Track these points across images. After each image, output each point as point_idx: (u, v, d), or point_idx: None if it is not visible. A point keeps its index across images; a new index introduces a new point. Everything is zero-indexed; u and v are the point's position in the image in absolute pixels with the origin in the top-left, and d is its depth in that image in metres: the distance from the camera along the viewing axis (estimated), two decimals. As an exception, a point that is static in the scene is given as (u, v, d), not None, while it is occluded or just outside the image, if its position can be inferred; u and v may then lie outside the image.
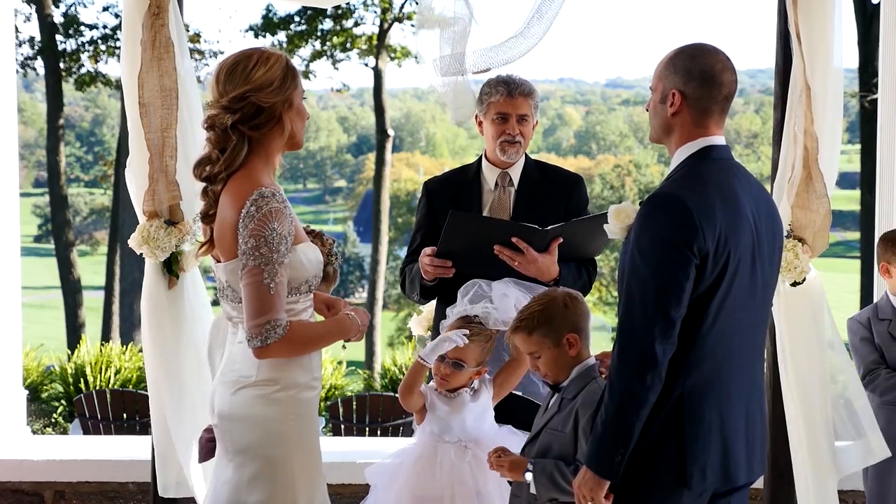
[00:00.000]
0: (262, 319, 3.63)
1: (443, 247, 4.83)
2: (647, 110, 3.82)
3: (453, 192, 5.17)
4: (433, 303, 5.29)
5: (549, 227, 4.78)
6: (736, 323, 3.58)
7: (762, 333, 3.78)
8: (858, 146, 21.11)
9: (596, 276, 5.12)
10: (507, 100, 5.02)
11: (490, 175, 5.14)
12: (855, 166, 26.61)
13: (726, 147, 3.72)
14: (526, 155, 5.18)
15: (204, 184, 3.87)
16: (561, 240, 4.78)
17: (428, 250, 4.89)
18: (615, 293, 43.74)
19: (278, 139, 3.84)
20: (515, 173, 5.13)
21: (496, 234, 4.78)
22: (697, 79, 3.63)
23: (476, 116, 5.18)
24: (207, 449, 4.11)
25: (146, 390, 5.76)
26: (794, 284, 5.24)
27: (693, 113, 3.65)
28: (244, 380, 3.81)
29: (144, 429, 7.57)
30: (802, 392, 5.26)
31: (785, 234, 5.22)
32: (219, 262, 3.86)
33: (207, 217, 3.90)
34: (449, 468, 4.53)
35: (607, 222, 4.64)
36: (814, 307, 5.28)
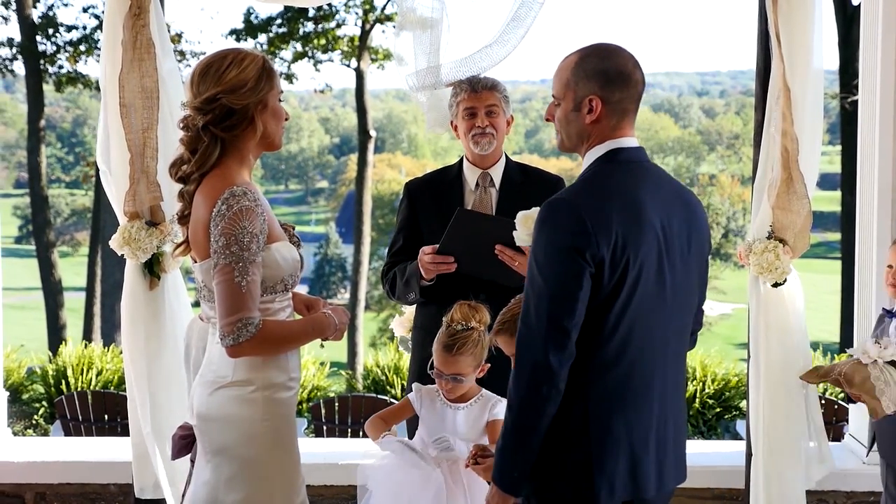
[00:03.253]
0: (234, 318, 3.62)
1: (445, 244, 4.84)
2: (549, 120, 3.68)
3: (435, 192, 5.19)
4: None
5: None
6: (644, 331, 3.48)
7: (680, 340, 3.66)
8: (839, 147, 21.19)
9: None
10: (471, 95, 5.08)
11: (471, 175, 5.15)
12: (835, 167, 26.70)
13: (638, 149, 3.60)
14: (506, 156, 5.20)
15: (181, 184, 3.87)
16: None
17: (427, 249, 4.90)
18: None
19: (251, 140, 3.83)
20: (497, 174, 5.14)
21: (499, 234, 4.78)
22: (615, 81, 3.52)
23: (451, 122, 5.21)
24: (180, 446, 4.09)
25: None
26: (776, 285, 5.26)
27: (611, 117, 3.53)
28: (221, 380, 3.80)
29: (126, 430, 7.53)
30: (774, 393, 5.28)
31: (766, 235, 5.25)
32: (195, 262, 3.86)
33: (183, 218, 3.91)
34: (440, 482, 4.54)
35: (499, 229, 4.64)
36: (793, 309, 5.30)
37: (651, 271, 3.45)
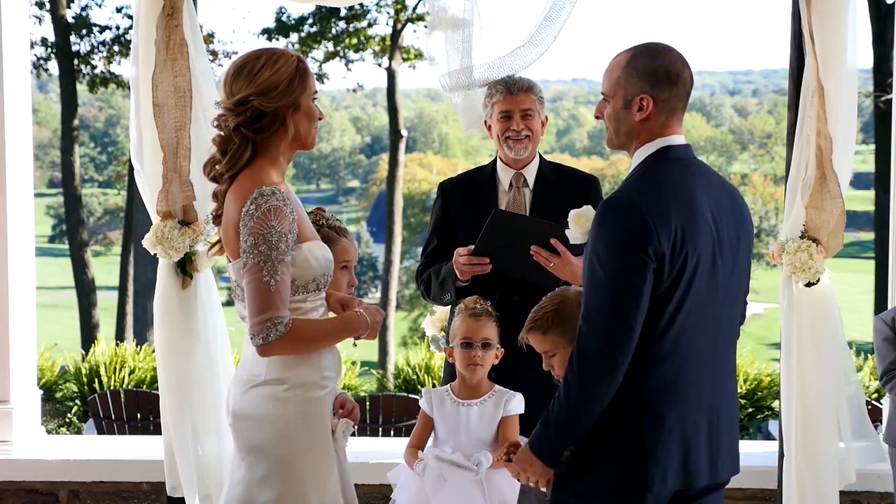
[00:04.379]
0: (264, 317, 3.63)
1: (481, 245, 4.83)
2: (600, 118, 3.73)
3: (468, 192, 5.17)
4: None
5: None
6: (697, 324, 3.53)
7: (730, 333, 3.71)
8: (873, 146, 21.04)
9: None
10: (507, 97, 5.03)
11: (504, 176, 5.13)
12: (869, 167, 26.56)
13: (685, 146, 3.68)
14: (540, 156, 5.18)
15: (214, 184, 3.89)
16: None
17: (462, 250, 4.88)
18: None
19: (282, 141, 3.83)
20: (530, 174, 5.13)
21: (535, 235, 4.77)
22: (664, 80, 3.59)
23: (485, 122, 5.19)
24: None
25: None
26: (809, 285, 5.23)
27: (661, 116, 3.61)
28: (254, 379, 3.82)
29: (158, 429, 7.56)
30: (806, 393, 5.26)
31: (799, 234, 5.23)
32: (230, 261, 3.88)
33: (217, 217, 3.92)
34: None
35: (540, 233, 4.64)
36: (826, 308, 5.28)
37: (706, 265, 3.52)
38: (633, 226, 3.42)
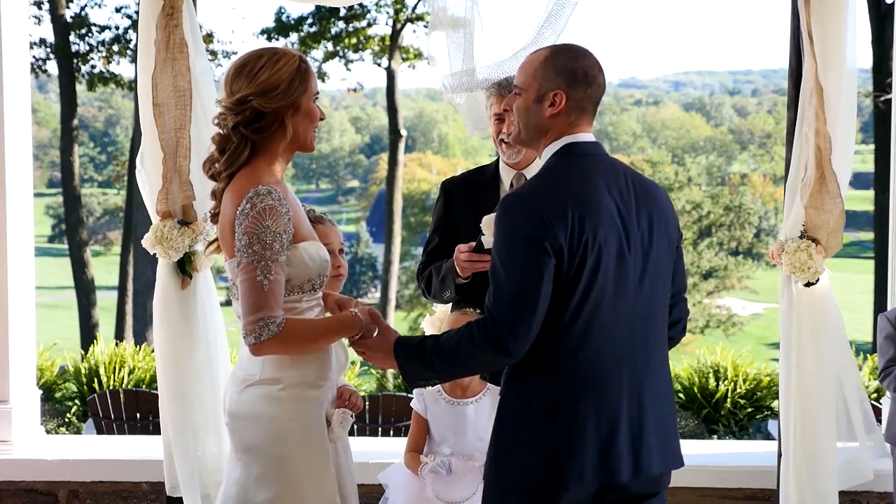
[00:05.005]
0: (256, 316, 3.63)
1: (481, 243, 4.82)
2: (508, 111, 3.80)
3: (471, 192, 5.17)
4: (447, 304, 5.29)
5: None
6: (609, 316, 3.56)
7: (652, 325, 3.71)
8: (872, 146, 21.06)
9: None
10: (498, 99, 4.99)
11: (507, 176, 5.12)
12: (868, 166, 26.57)
13: (594, 143, 3.73)
14: (543, 156, 5.16)
15: (213, 182, 3.90)
16: None
17: (463, 247, 4.87)
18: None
19: (281, 142, 3.82)
20: (531, 173, 5.11)
21: None
22: (580, 80, 3.67)
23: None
24: None
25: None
26: (808, 285, 5.23)
27: (571, 114, 3.69)
28: (249, 378, 3.82)
29: (158, 428, 7.57)
30: (806, 393, 5.26)
31: (799, 234, 5.23)
32: (227, 260, 3.88)
33: (215, 216, 3.92)
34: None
35: None
36: (826, 309, 5.28)
37: (611, 256, 3.56)
38: (529, 221, 3.50)
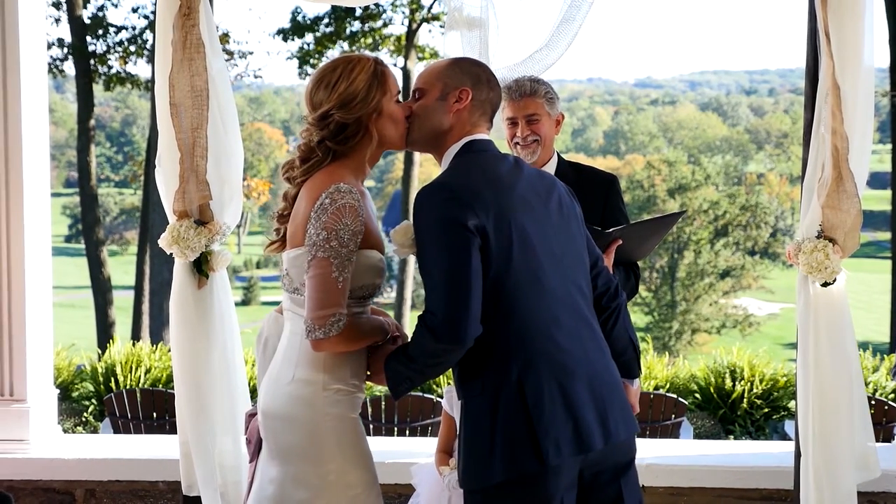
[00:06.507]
0: (328, 311, 3.63)
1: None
2: (410, 115, 3.87)
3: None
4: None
5: (610, 230, 4.73)
6: (545, 296, 3.67)
7: (584, 300, 3.82)
8: (889, 146, 21.00)
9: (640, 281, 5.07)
10: (510, 103, 4.96)
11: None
12: (885, 166, 26.46)
13: (489, 141, 3.87)
14: (558, 155, 5.14)
15: (287, 184, 3.93)
16: (620, 242, 4.70)
17: None
18: (643, 294, 43.62)
19: (367, 148, 3.86)
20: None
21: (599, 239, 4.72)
22: (484, 83, 3.87)
23: None
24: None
25: (176, 390, 5.78)
26: (825, 285, 5.22)
27: (474, 113, 3.84)
28: (284, 378, 3.82)
29: (174, 428, 7.58)
30: (823, 393, 5.24)
31: (816, 234, 5.21)
32: (284, 250, 3.90)
33: (282, 217, 3.94)
34: None
35: (669, 224, 4.63)
36: (843, 308, 5.26)
37: (533, 238, 3.67)
38: (446, 206, 3.59)
